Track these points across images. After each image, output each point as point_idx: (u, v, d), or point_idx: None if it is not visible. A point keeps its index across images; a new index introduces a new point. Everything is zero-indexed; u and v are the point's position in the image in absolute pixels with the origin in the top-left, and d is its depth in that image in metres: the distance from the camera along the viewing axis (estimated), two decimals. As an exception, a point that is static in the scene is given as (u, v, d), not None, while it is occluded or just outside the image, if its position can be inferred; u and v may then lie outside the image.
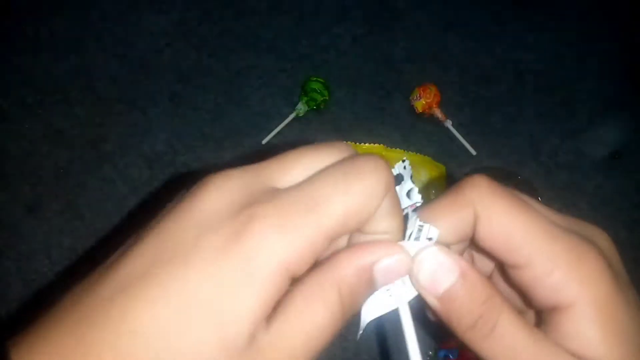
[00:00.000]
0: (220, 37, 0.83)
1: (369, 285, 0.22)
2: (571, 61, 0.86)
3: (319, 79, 0.76)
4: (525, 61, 0.86)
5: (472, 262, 0.27)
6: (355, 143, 0.73)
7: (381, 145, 0.74)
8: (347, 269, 0.21)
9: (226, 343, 0.18)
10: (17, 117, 0.76)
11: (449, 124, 0.77)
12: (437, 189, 0.73)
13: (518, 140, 0.79)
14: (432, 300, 0.22)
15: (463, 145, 0.77)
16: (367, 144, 0.74)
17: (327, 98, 0.76)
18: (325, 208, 0.20)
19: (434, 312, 0.23)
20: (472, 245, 0.25)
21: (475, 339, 0.22)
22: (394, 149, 0.74)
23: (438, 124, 0.78)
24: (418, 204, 0.25)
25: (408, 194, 0.26)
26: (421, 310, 0.24)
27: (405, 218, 0.24)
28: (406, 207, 0.25)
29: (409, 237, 0.23)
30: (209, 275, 0.18)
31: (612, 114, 0.82)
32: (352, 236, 0.23)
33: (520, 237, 0.22)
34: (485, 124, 0.80)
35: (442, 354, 0.65)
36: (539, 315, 0.24)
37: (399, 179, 0.27)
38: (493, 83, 0.84)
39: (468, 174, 0.77)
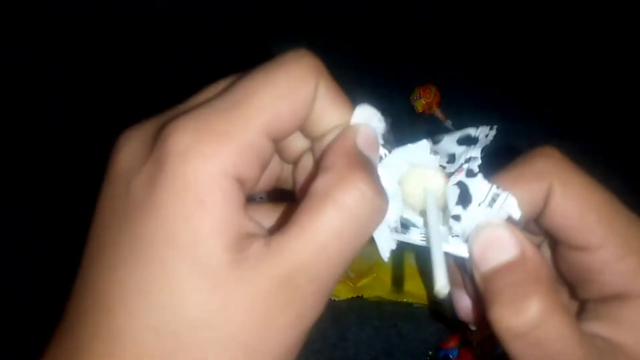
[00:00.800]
0: (220, 37, 0.83)
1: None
2: (571, 61, 0.86)
3: (319, 79, 0.76)
4: (526, 61, 0.86)
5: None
6: (355, 143, 0.73)
7: (381, 145, 0.74)
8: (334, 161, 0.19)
9: (202, 269, 0.16)
10: (18, 117, 0.77)
11: (448, 124, 0.77)
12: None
13: (518, 140, 0.79)
14: (478, 274, 0.20)
15: (463, 145, 0.77)
16: (367, 144, 0.74)
17: (327, 98, 0.76)
18: (250, 102, 0.18)
19: (474, 288, 0.21)
20: (532, 223, 0.23)
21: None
22: (394, 149, 0.75)
23: (438, 124, 0.78)
24: (474, 167, 0.23)
25: (468, 161, 0.24)
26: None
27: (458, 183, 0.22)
28: (456, 168, 0.23)
29: (480, 204, 0.21)
30: (147, 220, 0.16)
31: (611, 114, 0.82)
32: (312, 150, 0.21)
33: (597, 216, 0.20)
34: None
35: (442, 353, 0.65)
36: (582, 307, 0.22)
37: (470, 142, 0.25)
38: (493, 83, 0.84)
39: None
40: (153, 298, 0.16)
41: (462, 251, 0.21)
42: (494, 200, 0.21)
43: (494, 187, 0.21)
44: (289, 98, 0.18)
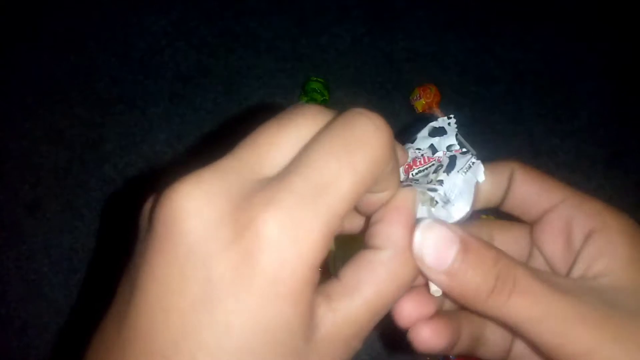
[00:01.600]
0: (220, 37, 0.83)
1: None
2: (571, 61, 0.86)
3: (318, 79, 0.76)
4: (525, 61, 0.86)
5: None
6: (355, 143, 0.73)
7: (381, 145, 0.74)
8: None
9: (284, 350, 0.17)
10: (18, 117, 0.76)
11: (448, 124, 0.78)
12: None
13: (518, 140, 0.79)
14: (442, 279, 0.21)
15: (463, 145, 0.77)
16: (367, 144, 0.74)
17: (327, 98, 0.76)
18: (335, 189, 0.17)
19: (447, 293, 0.22)
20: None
21: (498, 303, 0.21)
22: (394, 149, 0.75)
23: (438, 124, 0.78)
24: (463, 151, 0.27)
25: (448, 148, 0.27)
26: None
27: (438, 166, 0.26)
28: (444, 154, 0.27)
29: (458, 171, 0.25)
30: (240, 311, 0.16)
31: (612, 114, 0.82)
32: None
33: (554, 183, 0.25)
34: (485, 124, 0.80)
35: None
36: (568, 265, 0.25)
37: (440, 132, 0.27)
38: (493, 83, 0.84)
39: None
40: None
41: (444, 216, 0.24)
42: (469, 167, 0.25)
43: (473, 157, 0.25)
44: (369, 181, 0.18)
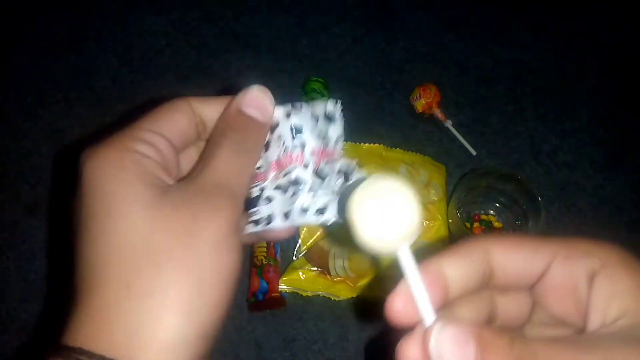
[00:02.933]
0: (220, 37, 0.83)
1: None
2: (571, 61, 0.86)
3: (319, 79, 0.76)
4: (525, 61, 0.86)
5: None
6: (355, 143, 0.73)
7: (381, 145, 0.74)
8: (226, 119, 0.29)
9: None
10: (18, 117, 0.77)
11: (448, 124, 0.77)
12: (437, 189, 0.73)
13: (518, 140, 0.79)
14: None
15: (463, 145, 0.77)
16: (367, 144, 0.74)
17: (327, 98, 0.76)
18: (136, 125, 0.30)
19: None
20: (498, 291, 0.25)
21: None
22: (393, 149, 0.75)
23: (438, 124, 0.78)
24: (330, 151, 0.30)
25: (336, 142, 0.30)
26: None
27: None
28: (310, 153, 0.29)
29: (337, 181, 0.27)
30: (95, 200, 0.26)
31: (612, 114, 0.82)
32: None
33: (535, 244, 0.24)
34: (485, 124, 0.80)
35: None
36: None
37: (330, 118, 0.31)
38: (493, 83, 0.84)
39: (467, 174, 0.77)
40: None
41: (314, 221, 0.27)
42: (345, 174, 0.28)
43: (352, 163, 0.27)
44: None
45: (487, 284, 0.25)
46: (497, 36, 0.87)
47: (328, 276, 0.66)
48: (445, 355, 0.21)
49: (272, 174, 0.29)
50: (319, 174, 0.29)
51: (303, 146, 0.29)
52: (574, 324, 0.24)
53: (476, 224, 0.70)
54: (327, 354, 0.66)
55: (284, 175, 0.29)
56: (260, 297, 0.65)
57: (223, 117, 0.30)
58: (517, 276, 0.25)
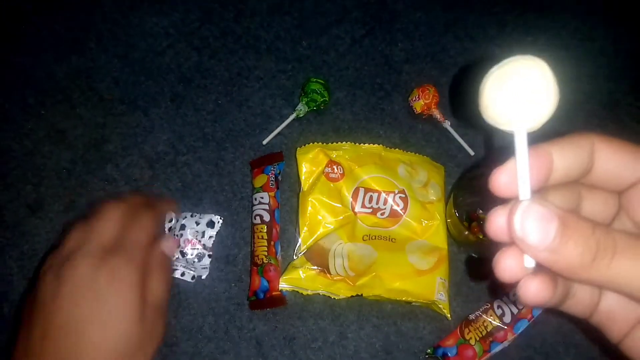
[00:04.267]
0: (221, 38, 0.84)
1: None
2: (571, 62, 0.87)
3: (319, 80, 0.77)
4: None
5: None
6: (355, 143, 0.74)
7: (380, 145, 0.74)
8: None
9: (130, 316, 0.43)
10: (19, 118, 0.77)
11: (447, 124, 0.78)
12: (436, 189, 0.73)
13: (516, 140, 0.80)
14: (544, 255, 0.22)
15: (461, 146, 0.78)
16: (366, 144, 0.74)
17: (327, 99, 0.77)
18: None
19: (549, 267, 0.23)
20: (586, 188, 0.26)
21: (602, 268, 0.21)
22: (393, 149, 0.75)
23: (437, 124, 0.79)
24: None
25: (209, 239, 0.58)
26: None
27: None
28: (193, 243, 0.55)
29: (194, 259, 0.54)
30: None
31: (611, 114, 0.82)
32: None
33: (638, 152, 0.25)
34: (484, 125, 0.80)
35: (440, 351, 0.65)
36: None
37: (210, 225, 0.58)
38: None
39: (465, 173, 0.77)
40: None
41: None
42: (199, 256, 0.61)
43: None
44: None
45: (582, 178, 0.25)
46: (496, 37, 0.87)
47: (328, 275, 0.66)
48: (527, 229, 0.22)
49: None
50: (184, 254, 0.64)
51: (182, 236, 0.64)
52: None
53: (474, 223, 0.71)
54: (327, 352, 0.66)
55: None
56: (261, 295, 0.66)
57: None
58: (613, 176, 0.25)
